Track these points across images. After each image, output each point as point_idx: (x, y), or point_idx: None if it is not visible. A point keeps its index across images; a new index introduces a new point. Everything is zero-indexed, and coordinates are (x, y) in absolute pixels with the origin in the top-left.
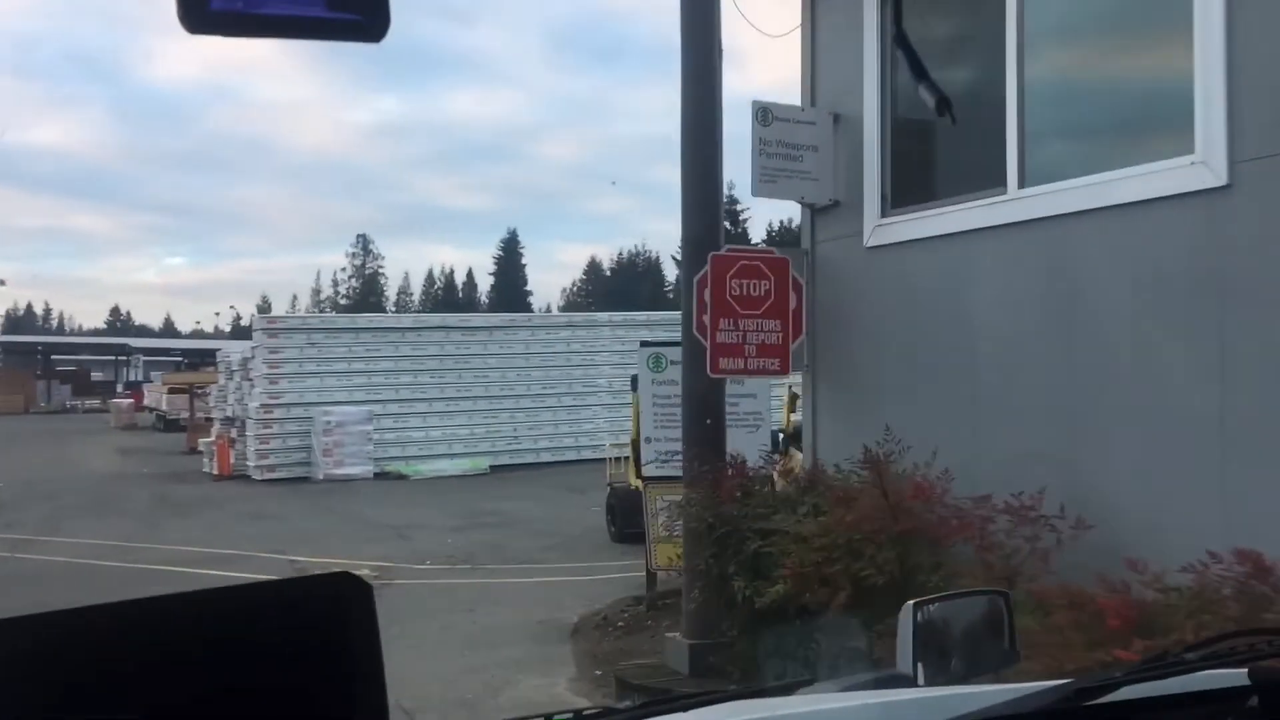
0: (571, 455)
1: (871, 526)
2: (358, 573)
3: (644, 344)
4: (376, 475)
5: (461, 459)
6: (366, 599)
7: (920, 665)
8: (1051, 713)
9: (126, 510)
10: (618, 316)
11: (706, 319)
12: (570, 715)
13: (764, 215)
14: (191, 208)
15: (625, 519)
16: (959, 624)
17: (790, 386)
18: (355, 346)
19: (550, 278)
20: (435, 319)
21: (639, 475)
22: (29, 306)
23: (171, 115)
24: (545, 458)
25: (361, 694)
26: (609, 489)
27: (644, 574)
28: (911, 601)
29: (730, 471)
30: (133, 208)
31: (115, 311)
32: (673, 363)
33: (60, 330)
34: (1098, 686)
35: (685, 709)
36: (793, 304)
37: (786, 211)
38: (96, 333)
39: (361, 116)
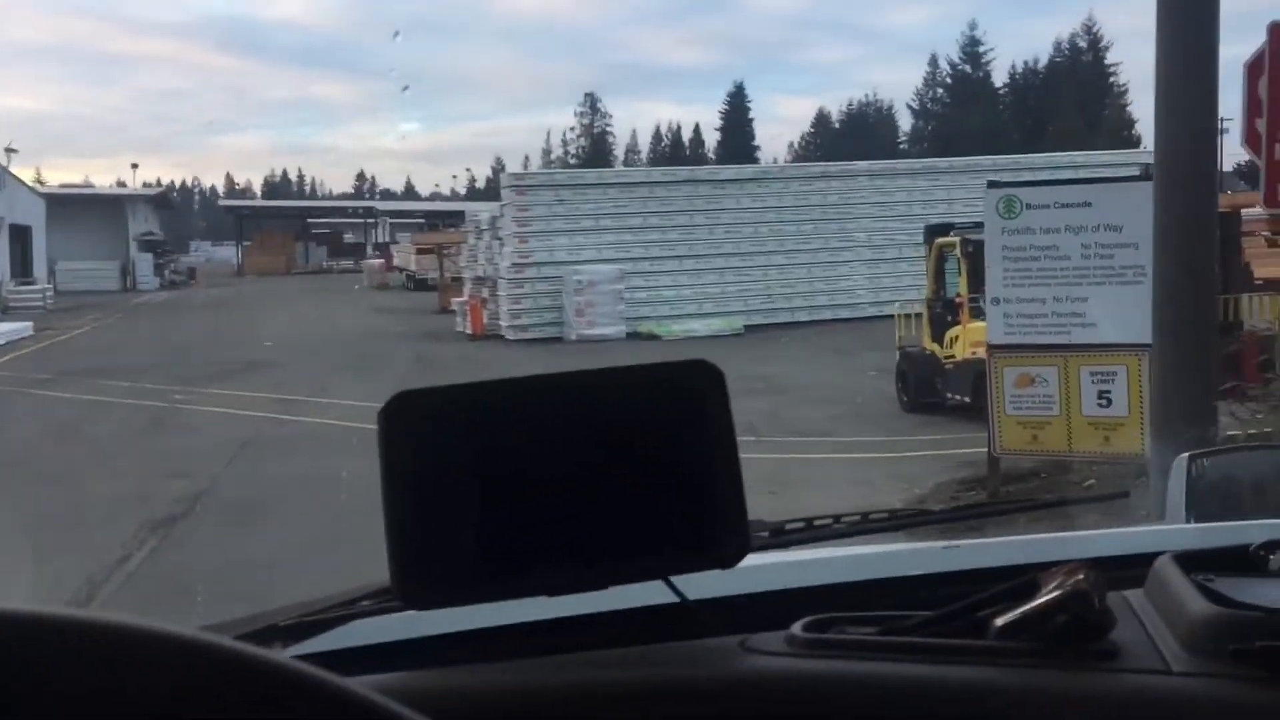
0: (828, 315)
1: None
2: None
3: (992, 184)
4: (629, 335)
5: (714, 318)
6: (720, 383)
7: (1194, 522)
8: None
9: (391, 371)
10: (877, 165)
11: (1261, 125)
12: (886, 514)
13: (1008, 54)
14: (421, 73)
15: (919, 387)
16: (1239, 480)
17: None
18: (603, 203)
19: (774, 131)
20: (684, 172)
21: (933, 338)
22: (284, 173)
23: None
24: (800, 317)
25: (720, 468)
26: (899, 353)
27: (960, 451)
28: (1186, 454)
29: None
30: (368, 75)
31: (360, 176)
32: (1029, 206)
33: (312, 195)
34: None
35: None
36: None
37: (1033, 50)
38: (344, 197)
39: None
